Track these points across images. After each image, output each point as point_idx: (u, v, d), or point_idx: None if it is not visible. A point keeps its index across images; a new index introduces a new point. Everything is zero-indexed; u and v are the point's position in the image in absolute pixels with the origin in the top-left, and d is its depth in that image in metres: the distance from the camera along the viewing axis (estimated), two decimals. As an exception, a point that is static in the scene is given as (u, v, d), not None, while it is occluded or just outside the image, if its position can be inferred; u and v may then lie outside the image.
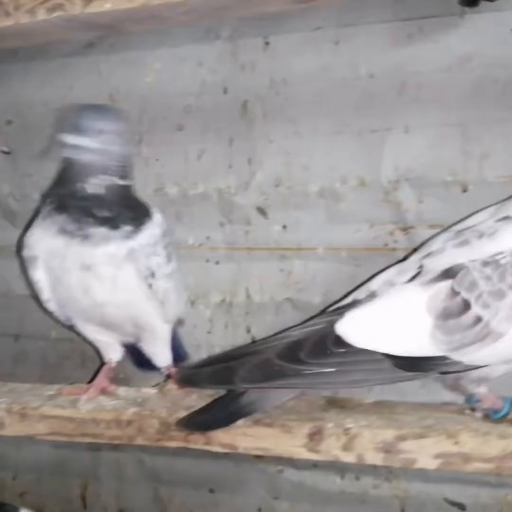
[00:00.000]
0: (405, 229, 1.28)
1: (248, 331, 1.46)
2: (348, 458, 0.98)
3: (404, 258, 1.11)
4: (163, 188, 1.46)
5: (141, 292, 1.13)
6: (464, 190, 1.23)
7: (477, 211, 1.04)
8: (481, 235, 0.95)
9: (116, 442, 1.11)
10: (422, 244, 1.09)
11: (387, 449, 0.95)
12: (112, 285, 1.11)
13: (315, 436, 0.97)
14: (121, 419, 1.10)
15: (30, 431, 1.15)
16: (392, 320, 0.95)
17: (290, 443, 1.00)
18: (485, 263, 0.92)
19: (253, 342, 1.30)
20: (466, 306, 0.91)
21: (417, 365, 0.93)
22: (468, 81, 1.22)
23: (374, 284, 1.04)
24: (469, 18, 1.23)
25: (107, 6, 1.12)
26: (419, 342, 0.93)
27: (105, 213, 1.09)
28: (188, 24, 1.28)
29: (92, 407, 1.13)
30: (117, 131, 1.13)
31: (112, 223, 1.09)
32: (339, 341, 0.94)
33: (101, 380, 1.25)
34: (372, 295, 1.02)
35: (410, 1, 1.24)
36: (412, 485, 1.33)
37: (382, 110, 1.28)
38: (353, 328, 0.95)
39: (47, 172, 1.26)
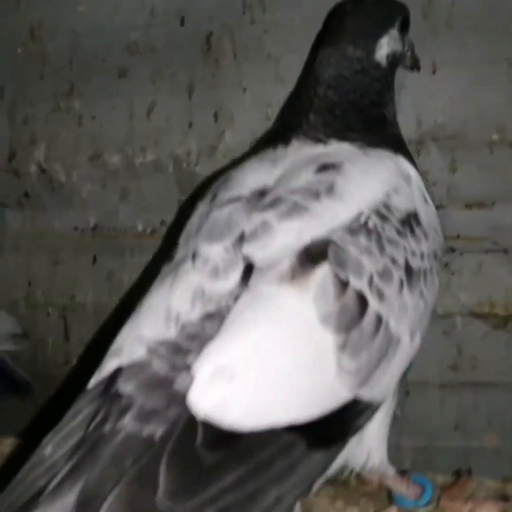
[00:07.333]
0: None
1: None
2: None
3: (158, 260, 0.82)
4: (101, 155, 1.24)
5: None
6: (516, 153, 1.06)
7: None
8: (316, 194, 0.74)
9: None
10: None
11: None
12: None
13: None
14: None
15: None
16: (278, 359, 0.64)
17: None
18: (352, 231, 0.72)
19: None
20: (362, 300, 0.68)
21: (332, 431, 0.66)
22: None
23: (161, 317, 0.68)
24: None
25: None
26: (324, 383, 0.64)
27: None
28: None
29: None
30: None
31: None
32: (211, 432, 0.59)
33: None
34: (190, 336, 0.65)
35: None
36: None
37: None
38: (222, 398, 0.60)
39: None
